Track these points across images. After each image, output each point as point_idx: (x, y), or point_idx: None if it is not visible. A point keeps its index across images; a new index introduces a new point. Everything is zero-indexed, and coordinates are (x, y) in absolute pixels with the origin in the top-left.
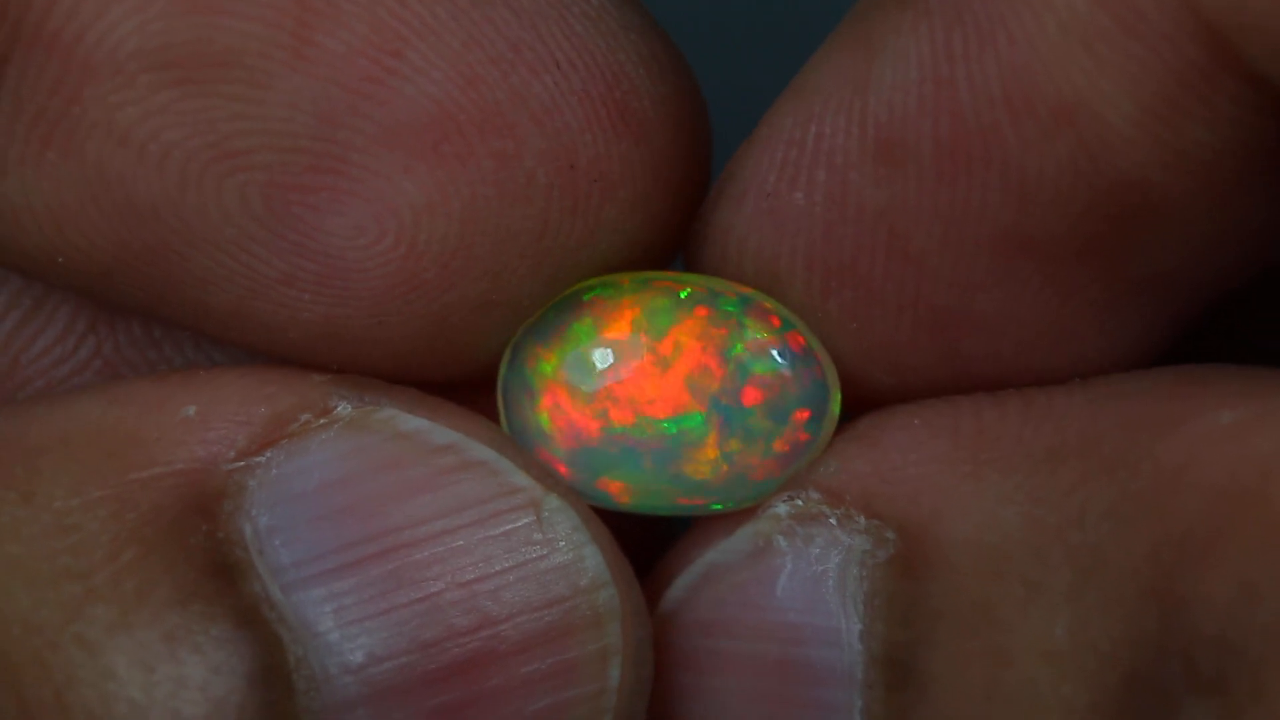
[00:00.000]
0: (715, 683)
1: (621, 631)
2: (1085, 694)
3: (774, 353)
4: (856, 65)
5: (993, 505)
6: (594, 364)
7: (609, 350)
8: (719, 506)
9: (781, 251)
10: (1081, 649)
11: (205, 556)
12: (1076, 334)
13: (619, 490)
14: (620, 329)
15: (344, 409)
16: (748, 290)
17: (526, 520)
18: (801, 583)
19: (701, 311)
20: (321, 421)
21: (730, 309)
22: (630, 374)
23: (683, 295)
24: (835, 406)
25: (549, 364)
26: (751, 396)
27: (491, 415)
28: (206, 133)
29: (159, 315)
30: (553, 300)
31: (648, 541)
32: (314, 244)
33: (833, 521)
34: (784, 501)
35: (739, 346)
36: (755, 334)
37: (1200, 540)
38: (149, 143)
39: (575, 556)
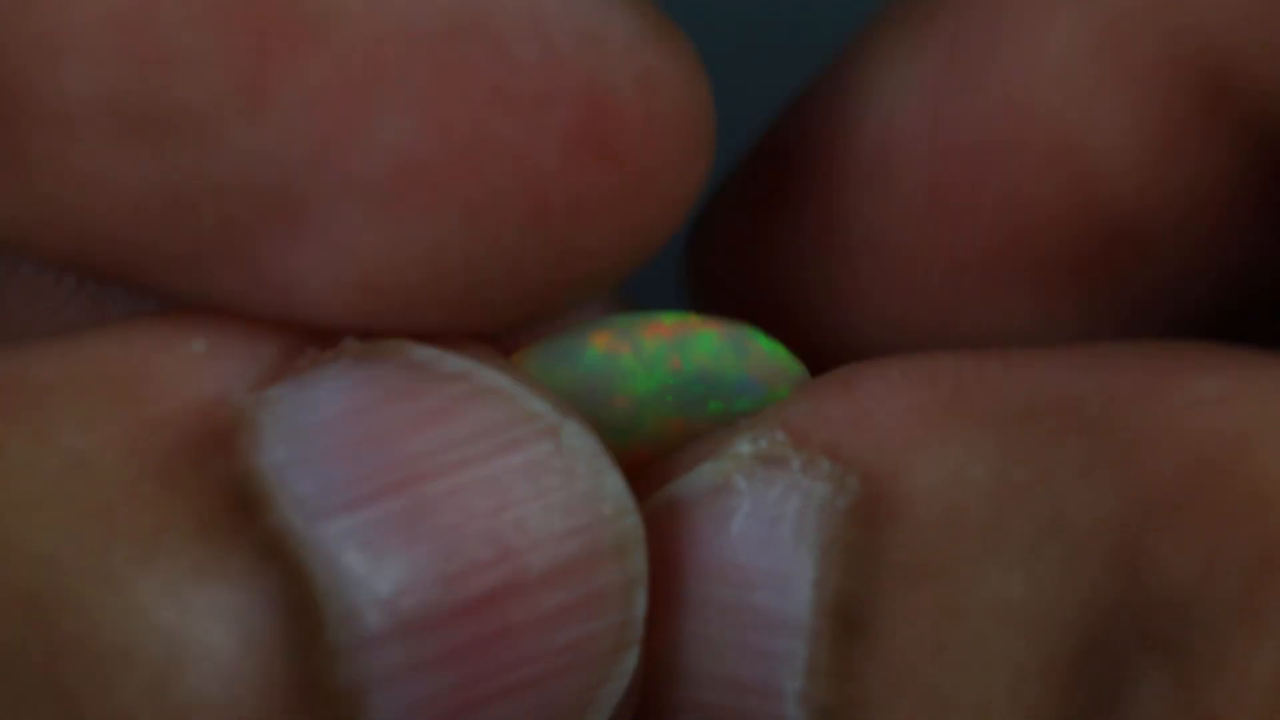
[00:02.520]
0: (662, 620)
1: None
2: (1037, 654)
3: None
4: (853, 93)
5: (961, 460)
6: None
7: None
8: None
9: (773, 274)
10: (1037, 610)
11: (225, 489)
12: None
13: None
14: None
15: (351, 342)
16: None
17: (546, 447)
18: (757, 525)
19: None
20: (330, 354)
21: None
22: None
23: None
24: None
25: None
26: None
27: None
28: (158, 181)
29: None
30: None
31: None
32: (273, 277)
33: (795, 465)
34: (748, 441)
35: None
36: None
37: (1168, 506)
38: (101, 184)
39: (596, 484)
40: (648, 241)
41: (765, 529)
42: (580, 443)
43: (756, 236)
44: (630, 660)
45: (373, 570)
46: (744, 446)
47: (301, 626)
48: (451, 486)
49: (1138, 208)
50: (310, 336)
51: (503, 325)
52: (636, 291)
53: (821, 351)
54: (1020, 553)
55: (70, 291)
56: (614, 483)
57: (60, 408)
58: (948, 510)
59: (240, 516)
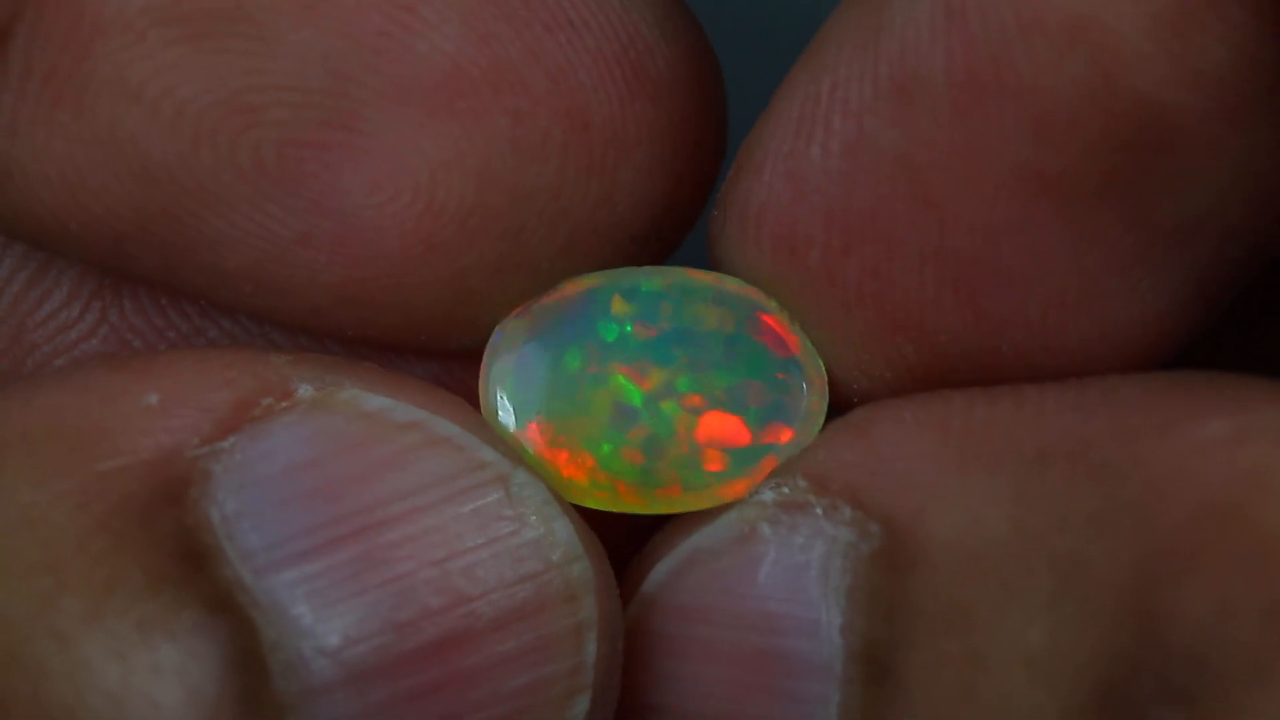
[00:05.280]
0: (694, 669)
1: (596, 605)
2: (1057, 702)
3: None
4: (868, 15)
5: (978, 505)
6: None
7: None
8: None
9: (800, 215)
10: (1057, 657)
11: (175, 544)
12: (1104, 293)
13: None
14: None
15: (305, 391)
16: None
17: (495, 495)
18: (784, 572)
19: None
20: (284, 405)
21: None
22: None
23: None
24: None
25: None
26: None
27: None
28: (218, 89)
29: (172, 282)
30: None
31: (625, 531)
32: (329, 203)
33: (818, 511)
34: (771, 489)
35: None
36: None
37: (1181, 555)
38: (161, 100)
39: (546, 530)
40: (682, 186)
41: (792, 576)
42: (530, 491)
43: (779, 185)
44: (582, 704)
45: (320, 621)
46: (767, 494)
47: (247, 680)
48: (402, 536)
49: (1161, 97)
50: (264, 380)
51: (546, 271)
52: None
53: (856, 310)
54: (1040, 602)
55: (93, 323)
56: (564, 529)
57: (14, 465)
58: (967, 558)
59: (191, 569)
